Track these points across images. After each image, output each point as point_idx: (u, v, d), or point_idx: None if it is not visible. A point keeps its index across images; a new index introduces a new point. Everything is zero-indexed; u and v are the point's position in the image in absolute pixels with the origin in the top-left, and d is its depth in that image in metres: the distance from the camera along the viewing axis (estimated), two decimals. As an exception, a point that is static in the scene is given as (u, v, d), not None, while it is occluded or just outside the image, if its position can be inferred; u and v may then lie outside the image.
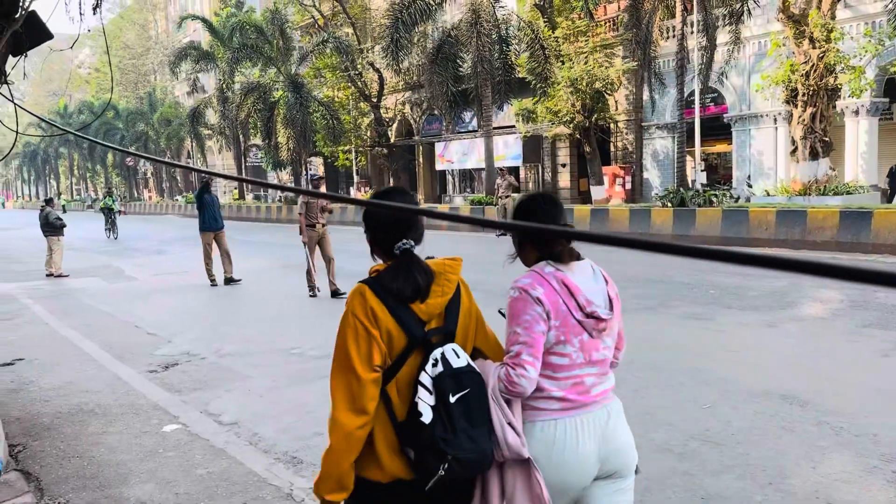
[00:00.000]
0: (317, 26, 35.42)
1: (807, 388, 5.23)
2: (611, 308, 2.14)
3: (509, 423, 1.98)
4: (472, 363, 2.01)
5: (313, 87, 34.62)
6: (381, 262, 2.09)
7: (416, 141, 34.68)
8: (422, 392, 1.92)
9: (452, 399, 1.90)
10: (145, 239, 24.52)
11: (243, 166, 42.45)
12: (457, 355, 1.98)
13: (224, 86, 36.73)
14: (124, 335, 8.39)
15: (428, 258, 2.11)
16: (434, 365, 1.93)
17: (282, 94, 33.35)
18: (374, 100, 33.29)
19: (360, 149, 35.14)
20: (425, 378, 1.93)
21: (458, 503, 2.04)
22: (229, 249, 12.42)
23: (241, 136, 40.31)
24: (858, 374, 5.63)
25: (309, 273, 10.60)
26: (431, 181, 35.83)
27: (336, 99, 34.98)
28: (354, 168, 34.57)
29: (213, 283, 12.14)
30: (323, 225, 10.58)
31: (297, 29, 37.55)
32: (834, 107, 18.42)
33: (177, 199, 49.18)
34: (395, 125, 35.41)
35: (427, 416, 1.89)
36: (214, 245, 12.30)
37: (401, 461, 1.95)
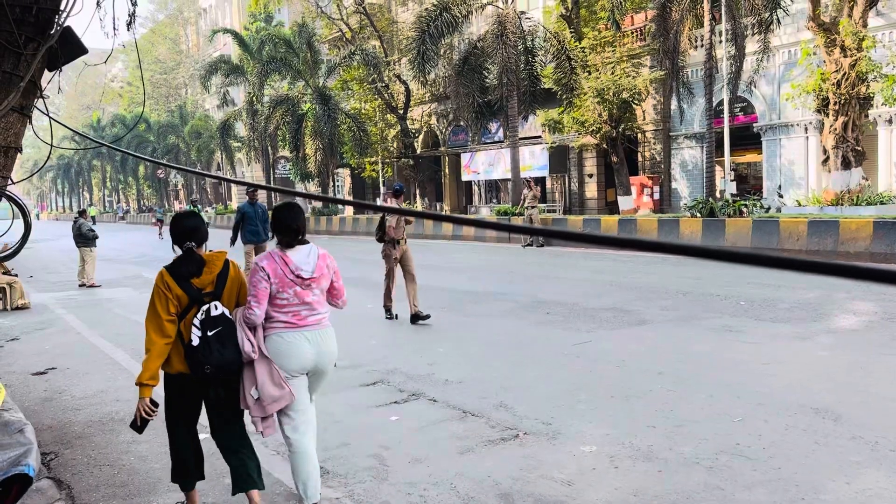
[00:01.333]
0: (344, 39, 35.78)
1: (840, 401, 5.12)
2: (316, 273, 3.65)
3: (248, 339, 3.49)
4: (226, 312, 3.53)
5: (340, 99, 34.93)
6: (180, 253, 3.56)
7: (443, 152, 34.78)
8: (194, 329, 3.44)
9: (210, 333, 3.44)
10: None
11: (272, 178, 42.92)
12: (216, 308, 3.49)
13: (253, 98, 37.23)
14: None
15: (209, 251, 3.63)
16: (201, 314, 3.46)
17: (310, 106, 33.71)
18: (401, 111, 33.46)
19: (387, 160, 35.34)
20: (196, 321, 3.45)
21: (231, 389, 3.60)
22: None
23: (269, 148, 40.79)
24: (893, 388, 5.49)
25: (387, 293, 9.36)
26: (457, 192, 35.87)
27: (363, 111, 35.25)
28: (381, 179, 34.76)
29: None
30: (405, 240, 9.29)
31: (325, 42, 37.96)
32: (866, 115, 18.11)
33: (207, 211, 49.87)
34: (421, 136, 35.56)
35: (195, 342, 3.43)
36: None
37: (183, 364, 3.48)
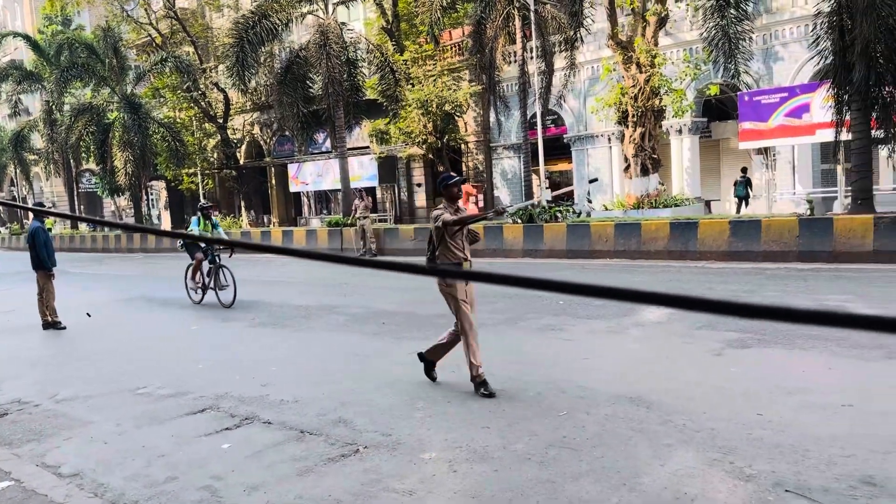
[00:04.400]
0: (154, 45, 33.71)
1: (651, 389, 5.61)
2: None
3: None
4: None
5: (152, 107, 32.85)
6: None
7: (268, 162, 33.84)
8: None
9: None
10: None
11: (75, 193, 39.34)
12: None
13: (52, 107, 33.98)
14: (-62, 387, 7.45)
15: None
16: None
17: (117, 115, 31.34)
18: (220, 120, 32.14)
19: (207, 171, 33.73)
20: None
21: None
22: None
23: (72, 161, 37.35)
24: (696, 373, 6.12)
25: (469, 348, 5.87)
26: (286, 203, 35.05)
27: (178, 120, 33.40)
28: (201, 191, 33.08)
29: (51, 324, 11.02)
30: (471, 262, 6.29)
31: (133, 47, 35.53)
32: (660, 126, 20.09)
33: (1, 231, 44.64)
34: (244, 146, 34.37)
35: None
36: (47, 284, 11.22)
37: None
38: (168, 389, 6.62)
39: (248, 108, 32.79)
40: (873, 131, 13.84)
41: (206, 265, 12.16)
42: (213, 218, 12.67)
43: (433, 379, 6.29)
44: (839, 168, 16.94)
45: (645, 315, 8.78)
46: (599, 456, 4.35)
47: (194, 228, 12.24)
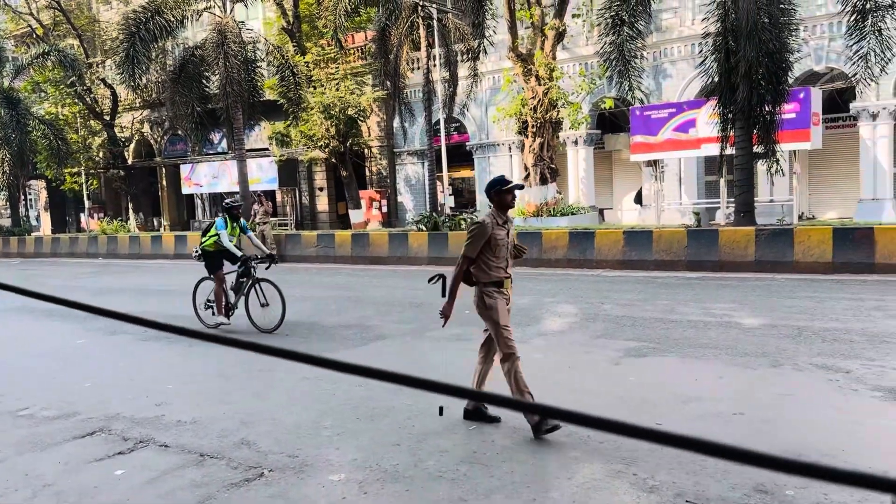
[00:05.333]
0: (35, 36, 31.54)
1: (556, 400, 5.72)
2: None
3: None
4: None
5: (32, 102, 30.72)
6: None
7: (158, 162, 32.37)
8: None
9: None
10: None
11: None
12: None
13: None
14: None
15: None
16: None
17: (-8, 110, 29.12)
18: (107, 118, 30.48)
19: (92, 171, 31.87)
20: None
21: None
22: None
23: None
24: (596, 382, 6.32)
25: (517, 380, 5.10)
26: (178, 205, 33.62)
27: (61, 116, 31.37)
28: (86, 192, 31.19)
29: None
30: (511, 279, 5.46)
31: (11, 38, 33.10)
32: (558, 137, 20.73)
33: None
34: (132, 146, 32.73)
35: None
36: None
37: None
38: (53, 411, 6.16)
39: (137, 105, 31.28)
40: (754, 147, 14.82)
41: (231, 279, 9.62)
42: (243, 220, 9.79)
43: (494, 420, 5.29)
44: (722, 181, 18.04)
45: (547, 324, 8.99)
46: (509, 471, 4.39)
47: (222, 232, 9.27)
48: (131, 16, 22.46)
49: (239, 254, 9.25)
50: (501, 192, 5.16)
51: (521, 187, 5.33)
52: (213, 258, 9.48)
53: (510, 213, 5.36)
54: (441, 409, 5.25)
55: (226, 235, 9.21)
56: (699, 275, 12.69)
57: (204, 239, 9.45)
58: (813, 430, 4.90)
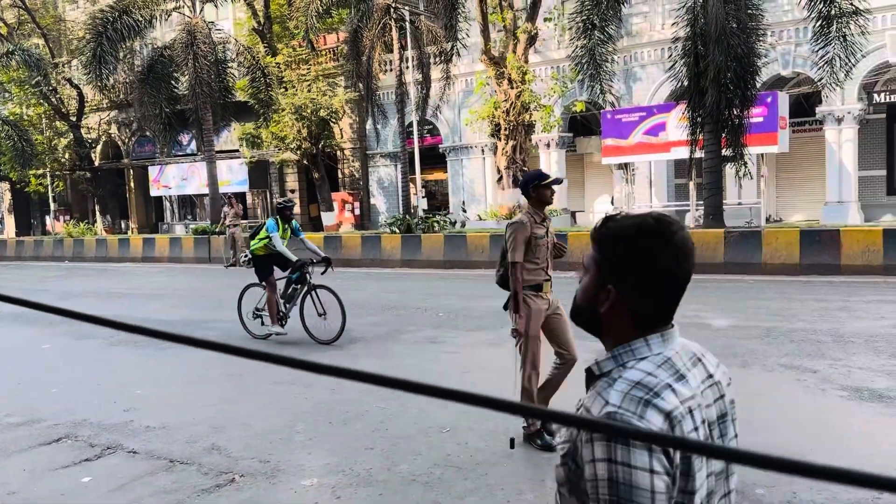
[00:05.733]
0: (-2, 35, 30.89)
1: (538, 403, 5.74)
2: None
3: None
4: None
5: (-5, 102, 30.08)
6: None
7: (126, 164, 31.87)
8: None
9: None
10: None
11: None
12: None
13: None
14: None
15: None
16: None
17: (-47, 109, 28.43)
18: (74, 119, 29.92)
19: (58, 173, 31.25)
20: None
21: None
22: None
23: None
24: (574, 385, 6.33)
25: (530, 392, 4.95)
26: (146, 208, 33.12)
27: (26, 117, 30.72)
28: (51, 194, 30.58)
29: None
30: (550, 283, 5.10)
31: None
32: (530, 140, 20.83)
33: None
34: (99, 147, 32.16)
35: None
36: None
37: None
38: (18, 417, 6.01)
39: (104, 106, 30.76)
40: (723, 151, 15.03)
41: (281, 285, 8.92)
42: (294, 221, 9.08)
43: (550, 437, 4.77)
44: (691, 184, 18.27)
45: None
46: (483, 473, 4.38)
47: (273, 235, 8.53)
48: (98, 15, 22.11)
49: (294, 258, 8.55)
50: (539, 186, 4.81)
51: (559, 181, 4.99)
52: (264, 263, 8.75)
53: (546, 209, 5.02)
54: (512, 441, 4.59)
55: (278, 238, 8.55)
56: (670, 276, 12.81)
57: (254, 242, 8.86)
58: (783, 429, 4.97)
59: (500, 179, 20.55)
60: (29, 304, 0.84)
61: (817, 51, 14.65)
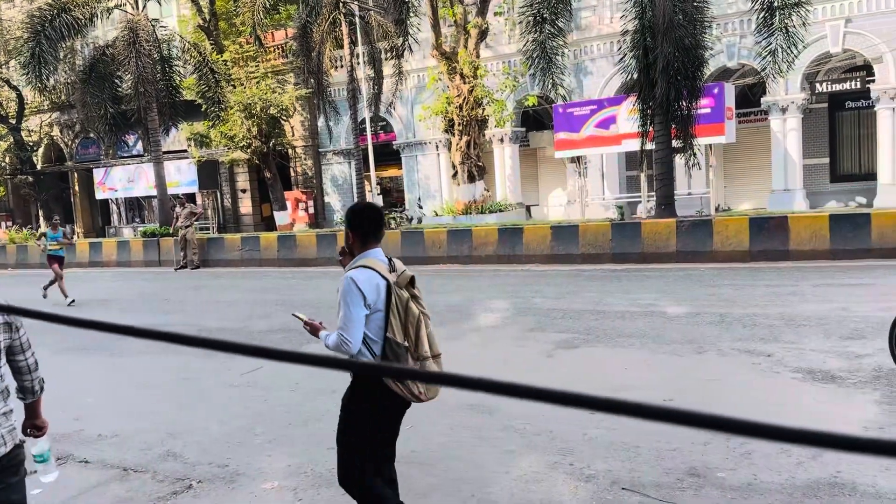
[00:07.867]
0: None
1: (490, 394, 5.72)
2: None
3: None
4: None
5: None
6: None
7: (69, 167, 30.87)
8: None
9: None
10: None
11: None
12: None
13: None
14: None
15: None
16: None
17: None
18: (13, 121, 28.86)
19: (-2, 178, 30.15)
20: None
21: None
22: None
23: None
24: (530, 375, 6.34)
25: None
26: (91, 211, 32.14)
27: (-38, 120, 29.53)
28: (-9, 200, 29.51)
29: None
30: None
31: None
32: (484, 135, 20.86)
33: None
34: (41, 150, 31.09)
35: None
36: None
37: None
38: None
39: (45, 107, 29.73)
40: (673, 142, 15.29)
41: None
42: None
43: None
44: (643, 175, 18.55)
45: (481, 320, 9.01)
46: (446, 468, 4.35)
47: None
48: (36, 13, 21.33)
49: None
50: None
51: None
52: None
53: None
54: None
55: None
56: (624, 266, 13.00)
57: None
58: (739, 412, 5.05)
59: (455, 175, 20.54)
60: (32, 313, 0.77)
61: (761, 41, 15.00)
